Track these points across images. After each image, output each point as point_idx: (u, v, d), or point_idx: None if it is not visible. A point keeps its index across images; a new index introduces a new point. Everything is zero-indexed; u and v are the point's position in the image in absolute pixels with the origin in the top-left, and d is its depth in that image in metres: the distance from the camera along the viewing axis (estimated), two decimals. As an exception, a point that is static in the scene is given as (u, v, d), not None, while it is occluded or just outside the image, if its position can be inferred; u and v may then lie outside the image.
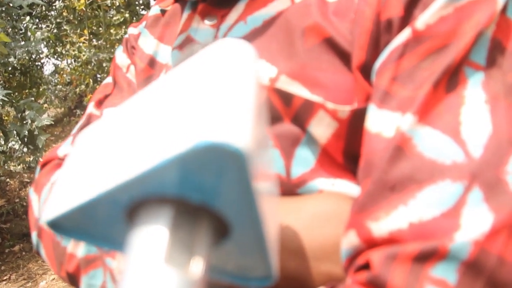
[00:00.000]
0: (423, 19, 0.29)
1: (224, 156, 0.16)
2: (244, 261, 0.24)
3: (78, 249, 0.39)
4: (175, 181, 0.17)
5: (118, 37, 2.95)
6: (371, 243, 0.27)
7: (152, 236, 0.17)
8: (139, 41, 0.49)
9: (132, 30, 0.52)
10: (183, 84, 0.20)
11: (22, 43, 2.58)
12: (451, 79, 0.28)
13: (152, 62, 0.46)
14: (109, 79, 0.52)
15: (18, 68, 3.03)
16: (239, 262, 0.24)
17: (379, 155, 0.28)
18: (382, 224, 0.26)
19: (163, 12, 0.49)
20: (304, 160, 0.34)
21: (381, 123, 0.29)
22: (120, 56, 0.52)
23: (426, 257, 0.24)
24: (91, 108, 0.49)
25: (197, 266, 0.17)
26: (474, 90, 0.27)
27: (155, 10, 0.51)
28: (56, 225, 0.21)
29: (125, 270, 0.17)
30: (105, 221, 0.21)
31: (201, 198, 0.18)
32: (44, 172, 0.46)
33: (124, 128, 0.20)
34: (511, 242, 0.24)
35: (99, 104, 0.49)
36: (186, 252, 0.17)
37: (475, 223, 0.24)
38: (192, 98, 0.18)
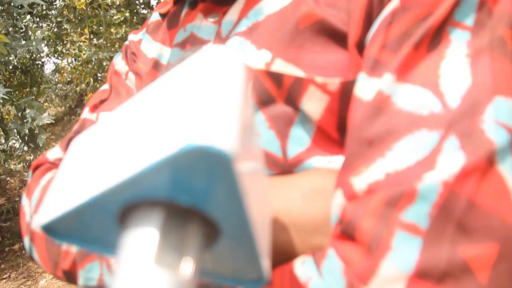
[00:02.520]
0: None
1: (210, 159, 0.16)
2: (236, 263, 0.24)
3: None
4: (165, 184, 0.18)
5: (118, 36, 2.95)
6: (352, 198, 0.27)
7: (143, 238, 0.18)
8: (141, 47, 0.50)
9: (132, 37, 0.53)
10: (170, 89, 0.20)
11: (23, 42, 2.58)
12: (434, 39, 0.28)
13: (156, 65, 0.47)
14: (105, 86, 0.52)
15: (19, 67, 3.03)
16: (231, 264, 0.24)
17: (360, 117, 0.29)
18: (362, 178, 0.27)
19: (163, 17, 0.50)
20: (299, 139, 0.34)
21: (370, 90, 0.29)
22: (119, 62, 0.52)
23: (396, 201, 0.24)
24: (85, 114, 0.50)
25: (188, 267, 0.18)
26: (457, 47, 0.28)
27: (155, 16, 0.51)
28: (50, 229, 0.21)
29: (116, 271, 0.17)
30: (98, 225, 0.21)
31: (191, 201, 0.19)
32: (35, 177, 0.46)
33: (115, 133, 0.20)
34: (483, 186, 0.24)
35: (94, 109, 0.50)
36: (176, 253, 0.18)
37: (447, 166, 0.24)
38: (178, 103, 0.19)
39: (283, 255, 0.30)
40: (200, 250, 0.19)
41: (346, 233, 0.26)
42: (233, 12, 0.41)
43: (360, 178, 0.27)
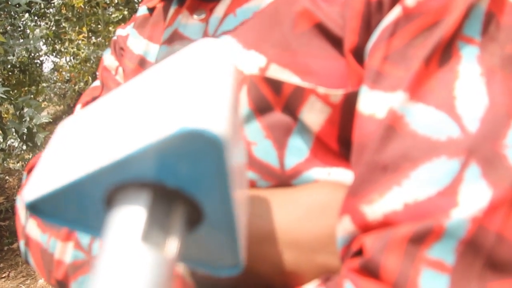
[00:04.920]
0: None
1: (203, 143, 0.17)
2: (214, 249, 0.24)
3: (66, 255, 0.38)
4: (154, 166, 0.18)
5: (116, 34, 2.94)
6: (366, 228, 0.26)
7: (130, 215, 0.18)
8: (128, 42, 0.49)
9: (120, 32, 0.52)
10: (164, 77, 0.21)
11: (21, 40, 2.57)
12: (444, 54, 0.27)
13: (142, 62, 0.45)
14: (97, 82, 0.51)
15: (17, 65, 3.02)
16: (209, 250, 0.24)
17: (370, 137, 0.27)
18: (376, 207, 0.25)
19: (150, 11, 0.49)
20: (298, 149, 0.33)
21: (374, 104, 0.28)
22: (108, 58, 0.51)
23: (422, 238, 0.23)
24: (78, 111, 0.49)
25: (172, 247, 0.18)
26: (469, 64, 0.26)
27: (142, 10, 0.50)
28: (36, 207, 0.21)
29: (102, 249, 0.18)
30: (85, 205, 0.21)
31: (178, 184, 0.19)
32: (29, 178, 0.45)
33: (106, 116, 0.21)
34: (510, 217, 0.23)
35: (87, 106, 0.48)
36: (162, 233, 0.18)
37: (473, 200, 0.23)
38: (173, 89, 0.19)
39: (287, 275, 0.29)
40: (184, 232, 0.20)
41: (368, 269, 0.25)
42: (220, 9, 0.40)
43: (373, 206, 0.26)
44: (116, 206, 0.19)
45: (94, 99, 0.49)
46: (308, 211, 0.30)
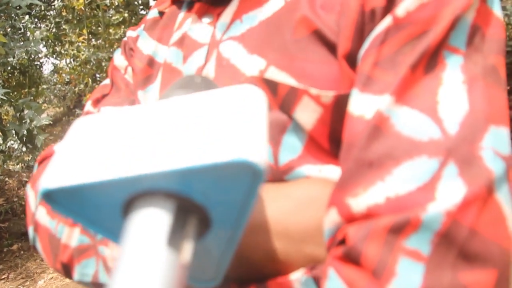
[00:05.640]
0: (403, 6, 0.30)
1: (248, 173, 0.19)
2: (199, 262, 0.25)
3: (72, 239, 0.40)
4: (189, 182, 0.20)
5: (117, 36, 2.95)
6: (350, 219, 0.28)
7: (157, 220, 0.19)
8: (138, 43, 0.51)
9: (130, 33, 0.54)
10: (209, 108, 0.22)
11: (21, 43, 2.58)
12: (430, 62, 0.29)
13: (151, 62, 0.47)
14: (107, 81, 0.53)
15: (17, 67, 3.03)
16: (195, 261, 0.25)
17: (358, 136, 0.29)
18: (360, 200, 0.27)
19: (161, 14, 0.51)
20: (292, 147, 0.34)
21: (363, 106, 0.30)
22: (118, 58, 0.53)
23: (400, 229, 0.25)
24: (88, 107, 0.51)
25: (188, 252, 0.20)
26: (453, 72, 0.28)
27: (153, 13, 0.52)
28: (50, 196, 0.21)
29: (125, 248, 0.19)
30: (99, 203, 0.21)
31: (205, 201, 0.21)
32: (41, 169, 0.46)
33: (145, 124, 0.22)
34: (483, 214, 0.25)
35: (96, 103, 0.50)
36: (181, 239, 0.20)
37: (449, 196, 0.25)
38: (221, 121, 0.21)
39: (275, 264, 0.31)
40: (195, 241, 0.21)
41: (350, 257, 0.26)
42: (227, 14, 0.41)
43: (357, 199, 0.28)
44: (140, 210, 0.20)
45: (103, 96, 0.51)
46: (299, 204, 0.32)
